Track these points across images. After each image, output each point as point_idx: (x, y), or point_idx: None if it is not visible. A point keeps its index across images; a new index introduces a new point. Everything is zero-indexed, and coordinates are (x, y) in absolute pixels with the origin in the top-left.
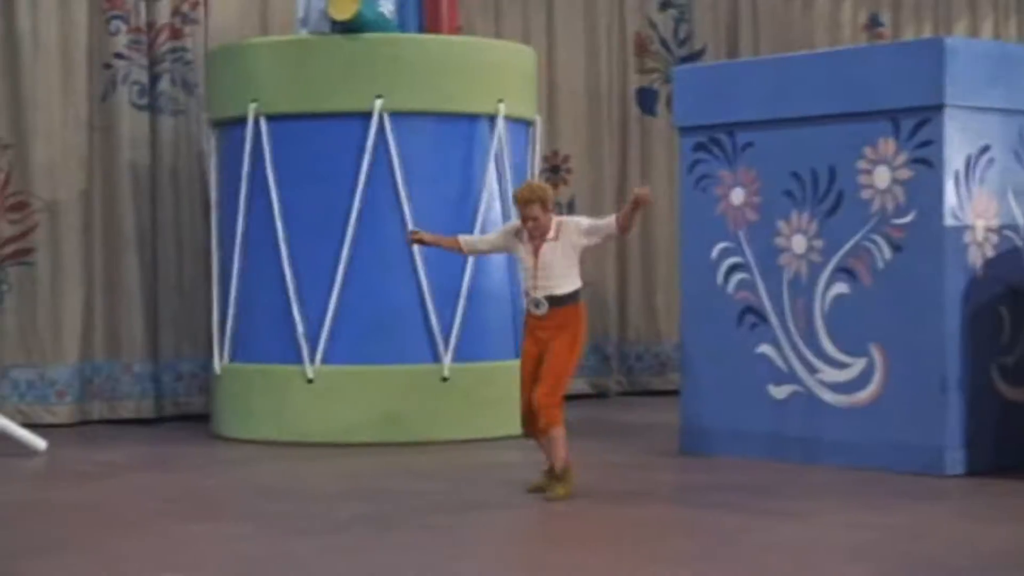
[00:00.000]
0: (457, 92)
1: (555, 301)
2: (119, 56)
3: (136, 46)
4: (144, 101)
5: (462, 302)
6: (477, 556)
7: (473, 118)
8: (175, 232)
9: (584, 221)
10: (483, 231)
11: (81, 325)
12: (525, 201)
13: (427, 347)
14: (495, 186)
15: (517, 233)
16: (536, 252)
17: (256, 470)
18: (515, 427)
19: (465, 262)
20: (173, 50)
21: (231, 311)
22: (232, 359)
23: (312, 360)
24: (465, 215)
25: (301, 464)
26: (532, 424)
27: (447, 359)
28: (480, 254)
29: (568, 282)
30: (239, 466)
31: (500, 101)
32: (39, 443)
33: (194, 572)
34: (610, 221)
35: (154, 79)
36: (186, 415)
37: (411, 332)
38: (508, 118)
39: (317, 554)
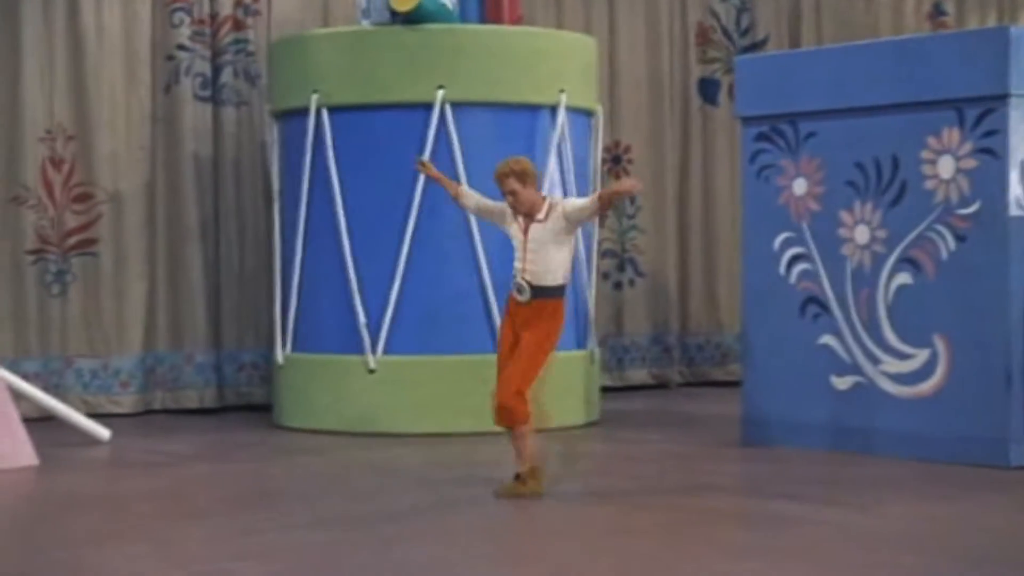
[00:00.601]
0: (518, 82)
1: (539, 291)
2: (182, 48)
3: (199, 38)
4: (207, 93)
5: None
6: (540, 545)
7: (534, 108)
8: (237, 223)
9: (570, 202)
10: None
11: (144, 315)
12: (499, 175)
13: (487, 337)
14: (557, 176)
15: (513, 214)
16: (526, 230)
17: (317, 460)
18: (576, 417)
19: None
20: (236, 42)
21: (293, 302)
22: (294, 349)
23: (373, 350)
24: None
25: (362, 454)
26: (501, 415)
27: None
28: (467, 210)
29: (556, 273)
30: (300, 456)
31: (561, 91)
32: (103, 433)
33: (256, 561)
34: (594, 198)
35: (217, 71)
36: (248, 405)
37: (471, 322)
38: (569, 108)
39: (376, 544)
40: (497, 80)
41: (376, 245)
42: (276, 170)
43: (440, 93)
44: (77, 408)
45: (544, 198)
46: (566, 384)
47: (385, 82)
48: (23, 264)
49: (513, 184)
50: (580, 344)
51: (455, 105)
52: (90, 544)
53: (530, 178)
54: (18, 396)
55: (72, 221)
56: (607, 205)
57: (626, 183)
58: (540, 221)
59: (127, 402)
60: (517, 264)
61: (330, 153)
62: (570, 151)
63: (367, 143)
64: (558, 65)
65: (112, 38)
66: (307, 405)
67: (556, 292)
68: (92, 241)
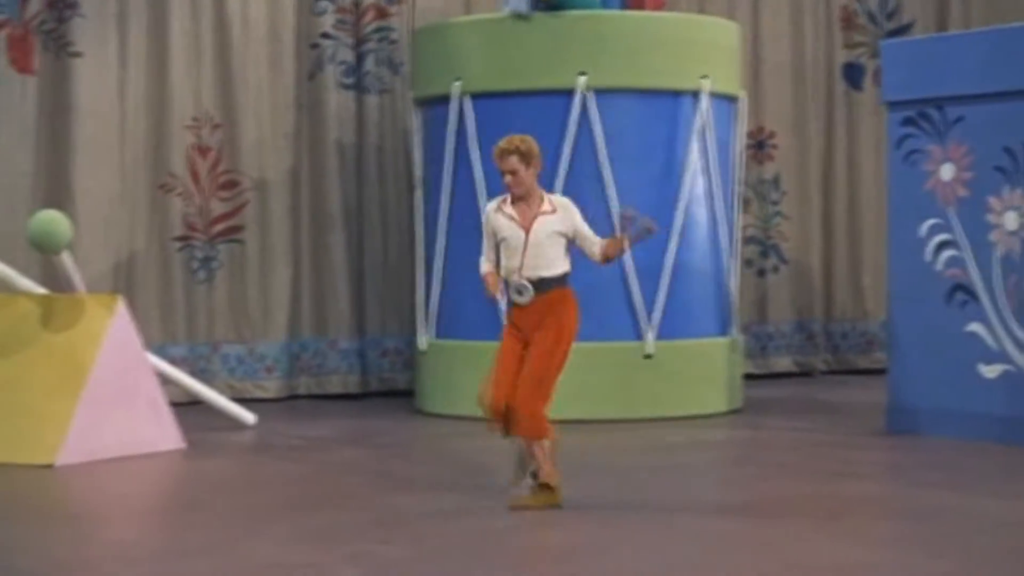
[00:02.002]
0: (661, 68)
1: (541, 285)
2: (326, 36)
3: (343, 26)
4: (350, 80)
5: (666, 278)
6: (683, 534)
7: (677, 94)
8: (380, 210)
9: (582, 223)
10: (687, 209)
11: (289, 302)
12: (501, 152)
13: (630, 324)
14: (699, 163)
15: (498, 210)
16: (528, 227)
17: (459, 446)
18: (718, 405)
19: (668, 239)
20: (379, 30)
21: (435, 288)
22: (436, 336)
23: None
24: (669, 192)
25: (504, 441)
26: (505, 424)
27: (650, 336)
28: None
29: (555, 264)
30: (442, 441)
31: (704, 77)
32: (248, 417)
33: (400, 545)
34: (599, 243)
35: (360, 59)
36: (391, 391)
37: (614, 309)
38: (713, 94)
39: (517, 530)
40: (639, 66)
41: None
42: (418, 157)
43: (582, 80)
44: (223, 393)
45: (540, 189)
46: (708, 371)
47: (527, 69)
48: (170, 251)
49: (516, 163)
50: (723, 331)
51: (597, 92)
52: (235, 527)
53: (535, 161)
54: (165, 381)
55: (218, 208)
56: (607, 261)
57: (624, 241)
58: (547, 213)
59: (272, 387)
60: (514, 263)
61: (472, 140)
62: (713, 138)
63: (509, 130)
64: (701, 51)
65: (257, 27)
66: (449, 391)
67: (560, 281)
68: (238, 228)
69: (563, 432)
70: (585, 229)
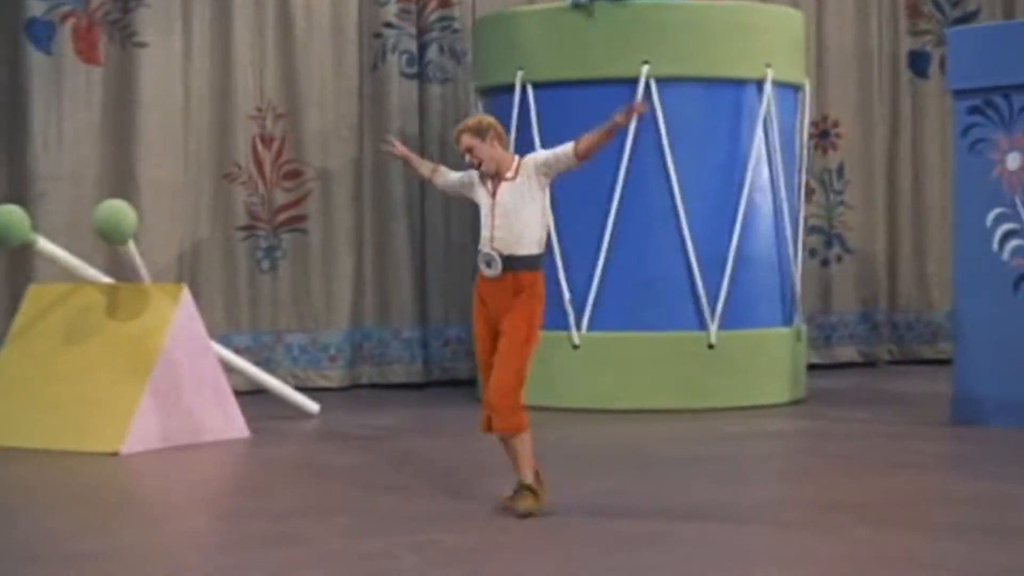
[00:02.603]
0: (724, 57)
1: (511, 263)
2: (389, 26)
3: (405, 16)
4: (413, 70)
5: (729, 268)
6: (747, 523)
7: (741, 83)
8: (443, 199)
9: (542, 154)
10: (750, 198)
11: (352, 291)
12: (455, 135)
13: (693, 314)
14: (763, 152)
15: (480, 178)
16: (494, 193)
17: None
18: (782, 395)
19: (732, 228)
20: (441, 19)
21: None
22: None
23: (578, 326)
24: (732, 182)
25: (567, 429)
26: (489, 419)
27: (713, 326)
28: (441, 190)
29: (531, 240)
30: None
31: (768, 65)
32: (312, 406)
33: (463, 533)
34: (567, 148)
35: (423, 48)
36: (453, 380)
37: (677, 298)
38: (776, 82)
39: (580, 520)
40: (703, 55)
41: (581, 221)
42: None
43: (645, 68)
44: (287, 382)
45: (514, 157)
46: (771, 361)
47: (590, 58)
48: (234, 240)
49: (469, 140)
50: (786, 321)
51: (660, 80)
52: (299, 515)
53: (490, 134)
54: (230, 370)
55: (282, 198)
56: (586, 156)
57: (625, 115)
58: (509, 180)
59: (335, 376)
60: (484, 233)
61: (535, 129)
62: (776, 126)
63: (572, 119)
64: (764, 39)
65: (320, 17)
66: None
67: (532, 263)
68: (301, 218)
69: (626, 422)
70: (546, 157)
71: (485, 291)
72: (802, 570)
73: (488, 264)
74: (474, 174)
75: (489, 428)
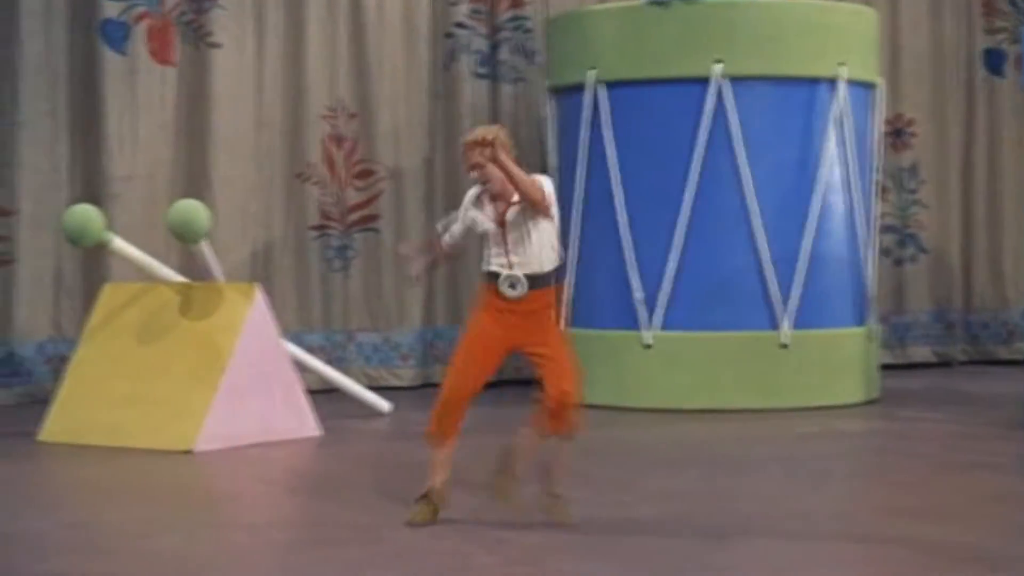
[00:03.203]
0: (797, 56)
1: (536, 282)
2: (460, 26)
3: (477, 16)
4: (485, 70)
5: (802, 267)
6: (817, 523)
7: (814, 82)
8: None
9: (546, 188)
10: (824, 197)
11: (424, 290)
12: (466, 146)
13: (765, 313)
14: (836, 151)
15: (476, 201)
16: (502, 218)
17: (593, 435)
18: (855, 395)
19: (805, 227)
20: (513, 19)
21: (569, 277)
22: (570, 324)
23: (650, 326)
24: (805, 181)
25: (638, 429)
26: (451, 424)
27: (786, 326)
28: (459, 246)
29: (550, 256)
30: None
31: (841, 64)
32: (384, 405)
33: (535, 533)
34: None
35: (495, 48)
36: (524, 379)
37: (749, 298)
38: (850, 81)
39: (652, 518)
40: (775, 53)
41: (653, 220)
42: (552, 146)
43: (718, 67)
44: (359, 381)
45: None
46: (844, 361)
47: (662, 57)
48: (306, 240)
49: (479, 157)
50: (860, 321)
51: (733, 79)
52: (372, 514)
53: (504, 151)
54: (302, 369)
55: (354, 197)
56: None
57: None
58: (516, 203)
59: (407, 375)
60: (499, 260)
61: (607, 129)
62: (850, 125)
63: (644, 118)
64: (838, 37)
65: (392, 16)
66: (583, 380)
67: (551, 278)
68: (373, 217)
69: (697, 422)
70: (549, 191)
71: (502, 311)
72: (874, 571)
73: (512, 286)
74: (470, 203)
75: (444, 430)
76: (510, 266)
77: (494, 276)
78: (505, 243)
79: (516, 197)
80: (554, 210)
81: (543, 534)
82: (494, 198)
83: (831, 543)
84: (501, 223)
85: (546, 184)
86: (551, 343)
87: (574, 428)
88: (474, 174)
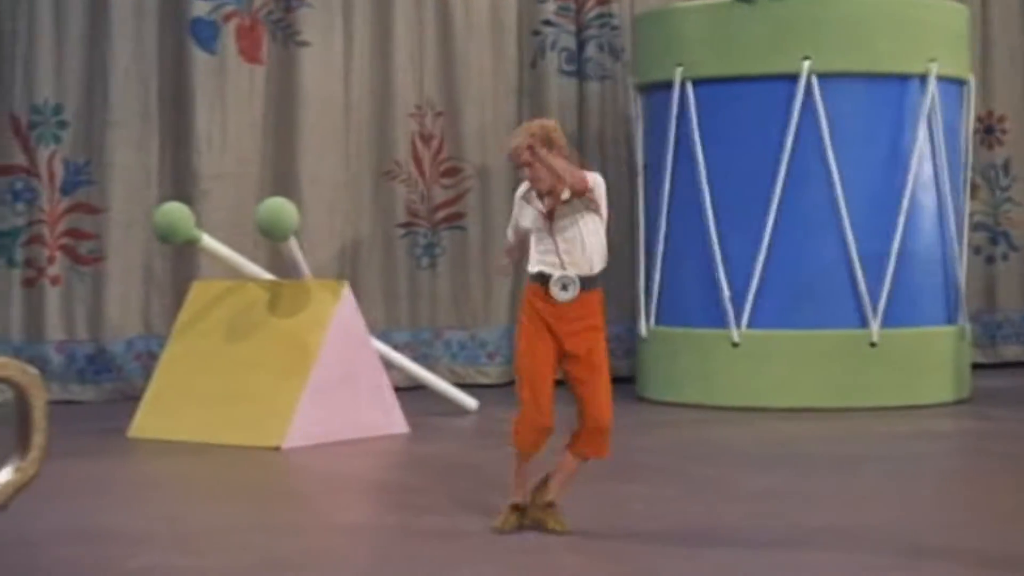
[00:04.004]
0: (887, 52)
1: (587, 284)
2: (547, 23)
3: (564, 13)
4: (572, 67)
5: (891, 265)
6: (907, 523)
7: (904, 78)
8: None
9: (598, 188)
10: (913, 195)
11: (510, 288)
12: (520, 144)
13: (855, 312)
14: (927, 148)
15: (524, 196)
16: (550, 214)
17: (681, 433)
18: (945, 394)
19: (894, 225)
20: (600, 16)
21: (657, 275)
22: (657, 323)
23: (738, 324)
24: (895, 178)
25: (726, 428)
26: (540, 441)
27: (876, 324)
28: (518, 247)
29: (600, 258)
30: (664, 429)
31: (932, 60)
32: (471, 402)
33: (619, 532)
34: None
35: (581, 45)
36: (612, 377)
37: (838, 296)
38: (940, 78)
39: (742, 518)
40: (864, 50)
41: (741, 218)
42: (640, 143)
43: (806, 64)
44: (446, 378)
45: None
46: (935, 360)
47: (750, 54)
48: (394, 238)
49: (530, 156)
50: (950, 319)
51: (821, 76)
52: (456, 509)
53: (556, 148)
54: (389, 366)
55: (441, 195)
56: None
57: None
58: (566, 201)
59: (494, 373)
60: (549, 259)
61: (694, 126)
62: (940, 122)
63: (732, 115)
64: (928, 34)
65: (479, 14)
66: (670, 378)
67: (598, 280)
68: (460, 215)
69: (786, 420)
70: (599, 193)
71: (551, 314)
72: (965, 570)
73: (563, 288)
74: (519, 200)
75: (532, 449)
76: (561, 266)
77: (542, 277)
78: (555, 242)
79: (565, 195)
80: (603, 210)
81: (627, 533)
82: (543, 196)
83: (923, 541)
84: (550, 219)
85: (596, 180)
86: (594, 362)
87: (607, 450)
88: (526, 172)
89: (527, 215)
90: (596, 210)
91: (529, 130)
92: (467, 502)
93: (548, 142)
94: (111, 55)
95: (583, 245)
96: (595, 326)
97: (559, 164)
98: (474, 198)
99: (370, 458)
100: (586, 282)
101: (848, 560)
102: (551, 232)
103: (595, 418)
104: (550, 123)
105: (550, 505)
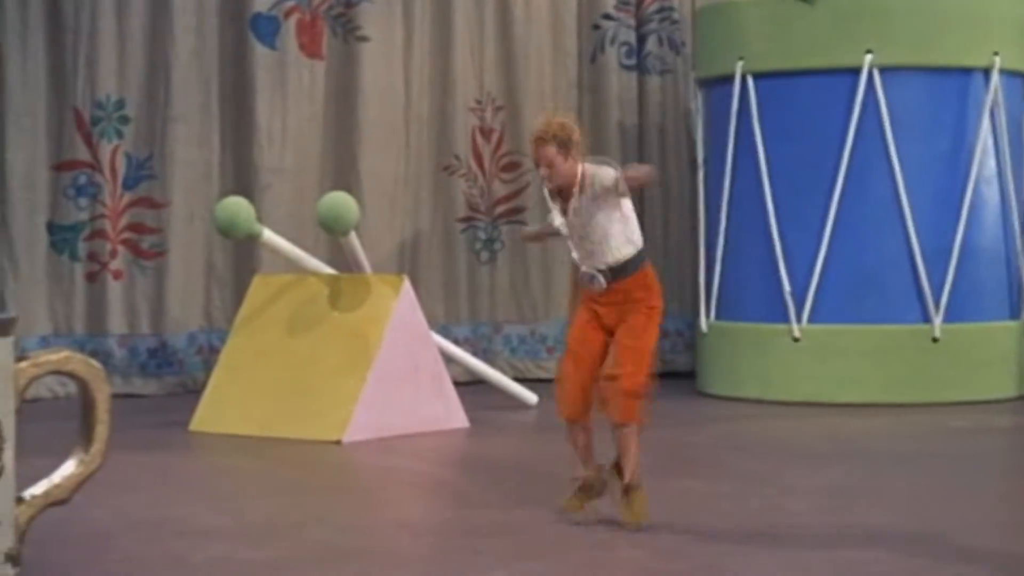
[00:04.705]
0: (950, 45)
1: (614, 273)
2: (607, 17)
3: (624, 7)
4: (632, 61)
5: (954, 260)
6: (970, 523)
7: (967, 72)
8: (662, 191)
9: (601, 177)
10: (976, 189)
11: (569, 283)
12: (537, 140)
13: (917, 306)
14: (990, 142)
15: (551, 192)
16: (564, 211)
17: (741, 428)
18: (1007, 390)
19: (957, 220)
20: (660, 10)
21: (717, 270)
22: (718, 317)
23: (799, 319)
24: (957, 173)
25: (787, 423)
26: (583, 411)
27: (938, 319)
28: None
29: (620, 244)
30: (724, 424)
31: (995, 54)
32: (530, 397)
33: (679, 528)
34: (614, 181)
35: (641, 39)
36: (672, 372)
37: (900, 291)
38: (1004, 71)
39: (802, 515)
40: (927, 43)
41: (801, 213)
42: (701, 138)
43: (868, 58)
44: (505, 373)
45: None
46: (997, 355)
47: (811, 47)
48: (454, 232)
49: (551, 153)
50: (1014, 314)
51: (883, 70)
52: (517, 504)
53: (575, 149)
54: (449, 360)
55: (501, 190)
56: (626, 195)
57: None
58: (575, 195)
59: (553, 367)
60: (575, 255)
61: (755, 120)
62: (1004, 116)
63: (793, 110)
64: (992, 27)
65: (539, 8)
66: (730, 373)
67: (635, 264)
68: (519, 210)
69: (847, 416)
70: (602, 184)
71: (596, 303)
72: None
73: (591, 281)
74: (549, 196)
75: (573, 417)
76: (584, 261)
77: (578, 270)
78: (576, 238)
79: (575, 189)
80: (620, 191)
81: (688, 529)
82: (556, 194)
83: (983, 539)
84: (564, 213)
85: (588, 171)
86: (630, 330)
87: (630, 416)
88: (543, 171)
89: (555, 213)
90: (606, 198)
91: (551, 130)
92: (526, 497)
93: (569, 144)
94: (173, 50)
95: (603, 237)
96: (636, 299)
97: (637, 178)
98: (534, 192)
99: (430, 452)
100: (616, 271)
101: (910, 559)
102: (571, 228)
103: (610, 373)
104: (570, 122)
105: (627, 491)
